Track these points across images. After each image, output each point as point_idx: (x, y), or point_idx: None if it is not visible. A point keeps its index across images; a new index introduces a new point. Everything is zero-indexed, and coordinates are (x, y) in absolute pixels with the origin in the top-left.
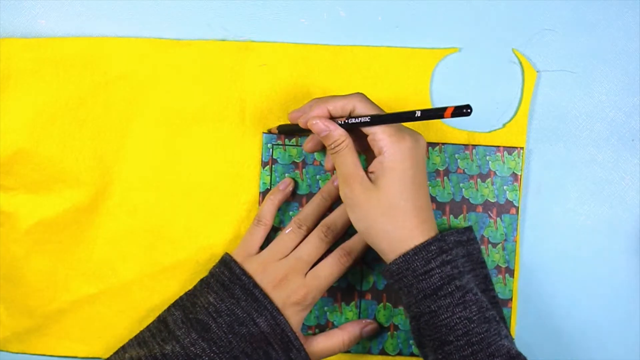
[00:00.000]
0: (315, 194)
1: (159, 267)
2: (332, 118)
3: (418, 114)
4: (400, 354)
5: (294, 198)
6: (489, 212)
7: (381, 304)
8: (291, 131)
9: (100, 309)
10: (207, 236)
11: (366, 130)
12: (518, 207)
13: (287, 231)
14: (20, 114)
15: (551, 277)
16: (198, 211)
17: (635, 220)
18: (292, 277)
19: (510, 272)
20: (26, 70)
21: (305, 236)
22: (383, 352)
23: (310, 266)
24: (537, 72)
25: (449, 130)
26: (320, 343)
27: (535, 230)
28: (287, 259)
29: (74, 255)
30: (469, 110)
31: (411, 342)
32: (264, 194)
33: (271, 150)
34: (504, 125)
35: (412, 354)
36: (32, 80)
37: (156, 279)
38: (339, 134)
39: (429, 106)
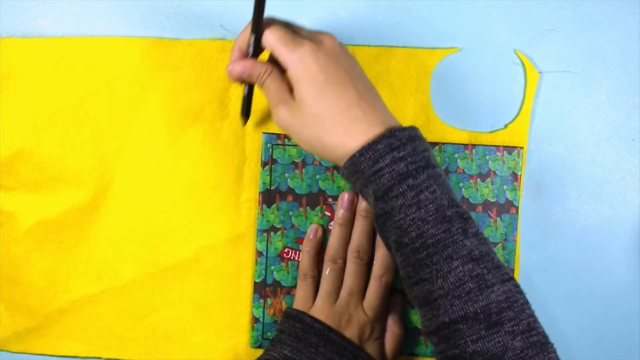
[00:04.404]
0: (315, 194)
1: (159, 267)
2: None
3: None
4: (400, 352)
5: (294, 198)
6: (489, 212)
7: None
8: (247, 101)
9: (100, 309)
10: (207, 236)
11: (270, 50)
12: (518, 207)
13: (327, 272)
14: (21, 114)
15: (551, 276)
16: (198, 211)
17: (635, 220)
18: (355, 313)
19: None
20: (26, 70)
21: (343, 267)
22: None
23: (363, 294)
24: (540, 73)
25: (449, 130)
26: (390, 350)
27: (535, 230)
28: (341, 299)
29: (74, 255)
30: None
31: (410, 341)
32: (263, 194)
33: (271, 150)
34: (505, 125)
35: (411, 354)
36: (32, 80)
37: (156, 279)
38: (259, 69)
39: (429, 107)
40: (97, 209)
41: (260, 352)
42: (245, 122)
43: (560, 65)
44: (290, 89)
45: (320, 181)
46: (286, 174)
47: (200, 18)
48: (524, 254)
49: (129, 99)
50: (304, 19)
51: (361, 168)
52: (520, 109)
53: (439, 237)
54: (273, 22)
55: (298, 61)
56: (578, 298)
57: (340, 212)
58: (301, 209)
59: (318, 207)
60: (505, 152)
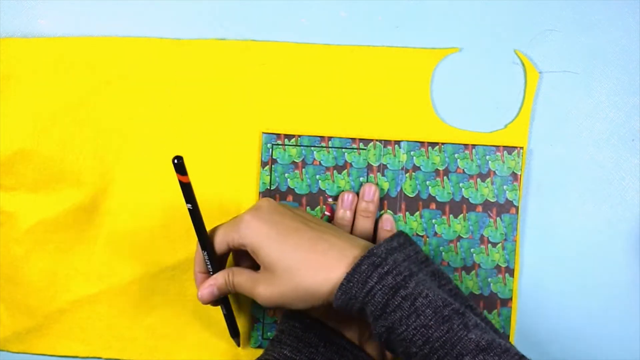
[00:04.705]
0: (315, 194)
1: (159, 267)
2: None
3: (189, 206)
4: None
5: (294, 198)
6: (489, 212)
7: None
8: (230, 320)
9: (100, 309)
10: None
11: (226, 246)
12: (518, 207)
13: None
14: (21, 113)
15: (551, 276)
16: None
17: (635, 220)
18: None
19: (510, 271)
20: (26, 70)
21: None
22: None
23: None
24: (540, 73)
25: (449, 130)
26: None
27: (535, 230)
28: None
29: (74, 255)
30: (175, 162)
31: None
32: (263, 194)
33: (271, 150)
34: (505, 125)
35: None
36: (32, 80)
37: (156, 279)
38: (221, 277)
39: (429, 107)
40: (97, 209)
41: (260, 352)
42: (238, 342)
43: (560, 65)
44: (257, 270)
45: (320, 181)
46: (286, 174)
47: (200, 18)
48: (524, 253)
49: (129, 99)
50: (304, 19)
51: (353, 293)
52: (520, 109)
53: (444, 338)
54: (214, 228)
55: (246, 231)
56: (578, 298)
57: (340, 212)
58: (301, 209)
59: (318, 207)
60: (505, 152)
